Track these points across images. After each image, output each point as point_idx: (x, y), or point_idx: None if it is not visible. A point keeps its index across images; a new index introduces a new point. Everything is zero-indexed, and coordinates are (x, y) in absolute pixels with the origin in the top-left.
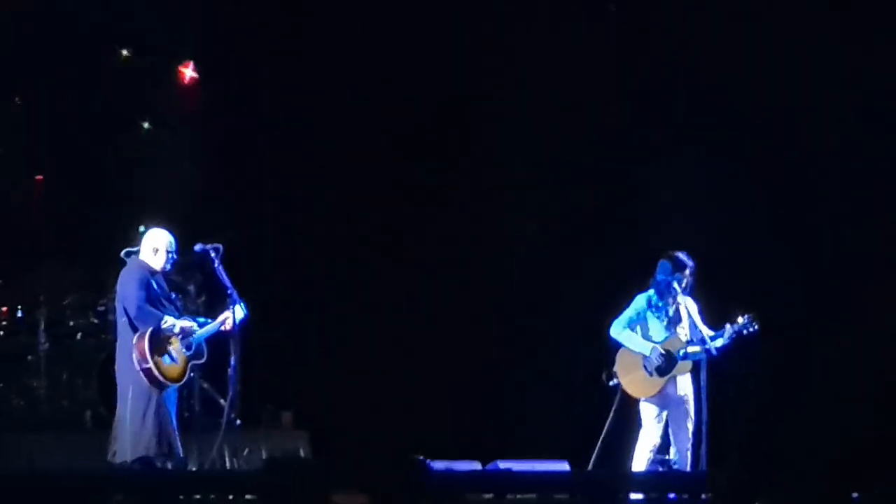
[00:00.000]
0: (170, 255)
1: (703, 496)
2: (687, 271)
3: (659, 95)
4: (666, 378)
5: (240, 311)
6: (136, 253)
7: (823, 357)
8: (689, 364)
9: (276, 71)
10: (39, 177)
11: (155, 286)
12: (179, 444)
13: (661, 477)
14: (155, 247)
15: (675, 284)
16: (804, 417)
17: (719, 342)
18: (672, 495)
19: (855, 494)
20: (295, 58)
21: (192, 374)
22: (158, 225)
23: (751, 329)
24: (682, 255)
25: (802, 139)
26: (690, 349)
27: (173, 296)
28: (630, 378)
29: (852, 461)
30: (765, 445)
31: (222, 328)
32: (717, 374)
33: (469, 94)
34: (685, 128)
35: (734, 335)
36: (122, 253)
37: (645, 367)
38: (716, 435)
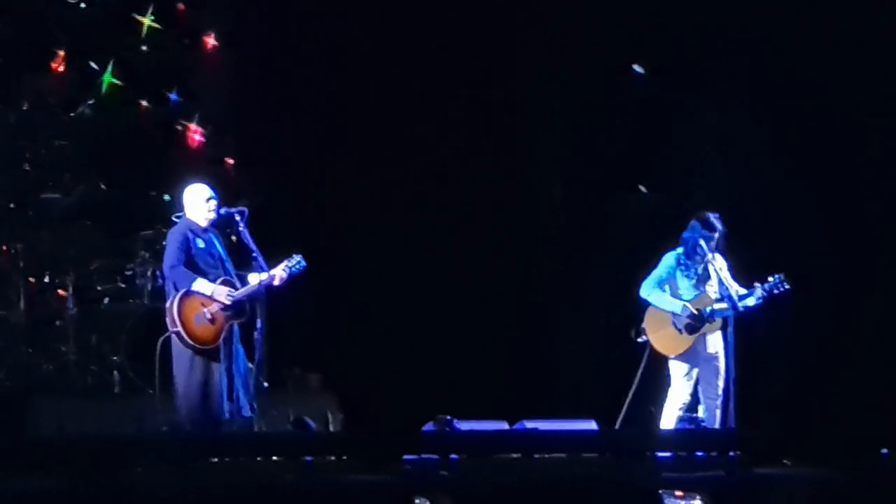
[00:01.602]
0: (213, 205)
1: (732, 454)
2: (716, 234)
3: (688, 56)
4: (695, 336)
5: (263, 274)
6: (183, 215)
7: (853, 313)
8: (719, 322)
9: (300, 32)
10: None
11: (201, 244)
12: (226, 405)
13: (689, 435)
14: (194, 202)
15: (703, 243)
16: (833, 374)
17: (750, 301)
18: (700, 453)
19: (884, 451)
20: (318, 19)
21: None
22: (193, 181)
23: (781, 289)
24: (712, 217)
25: (837, 97)
26: (717, 306)
27: (222, 252)
28: (659, 335)
29: (881, 418)
30: (793, 402)
31: (273, 283)
32: (745, 331)
33: (497, 58)
34: (716, 88)
35: (765, 295)
36: (174, 217)
37: (675, 324)
38: (744, 392)
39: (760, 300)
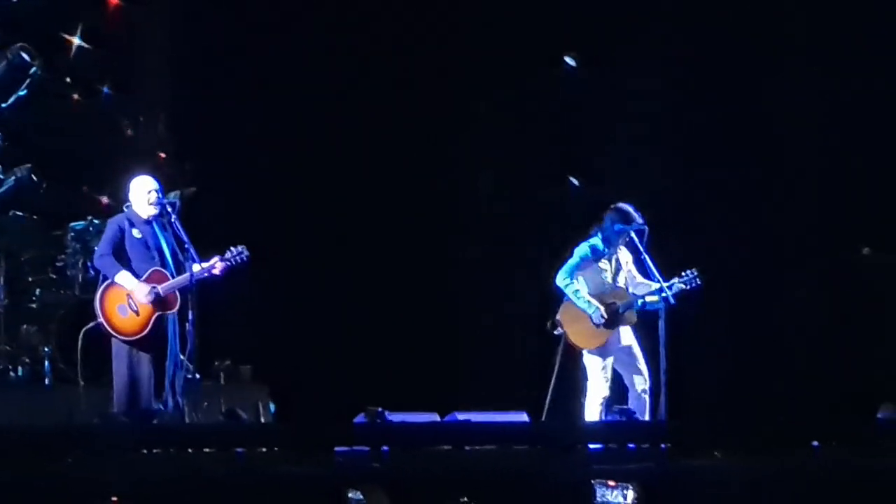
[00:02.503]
0: (154, 198)
1: (663, 446)
2: (633, 225)
3: (613, 50)
4: (612, 331)
5: (198, 265)
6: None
7: (784, 308)
8: (634, 316)
9: (237, 24)
10: None
11: (137, 235)
12: (156, 397)
13: (620, 427)
14: (137, 194)
15: (634, 235)
16: (764, 367)
17: (664, 294)
18: (631, 445)
19: (815, 443)
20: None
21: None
22: (140, 172)
23: (694, 284)
24: (629, 208)
25: (763, 91)
26: (649, 298)
27: (164, 244)
28: (575, 328)
29: (812, 411)
30: (725, 395)
31: (210, 273)
32: (676, 324)
33: (428, 50)
34: (647, 81)
35: (679, 291)
36: (125, 206)
37: (591, 318)
38: (675, 385)
39: (677, 292)
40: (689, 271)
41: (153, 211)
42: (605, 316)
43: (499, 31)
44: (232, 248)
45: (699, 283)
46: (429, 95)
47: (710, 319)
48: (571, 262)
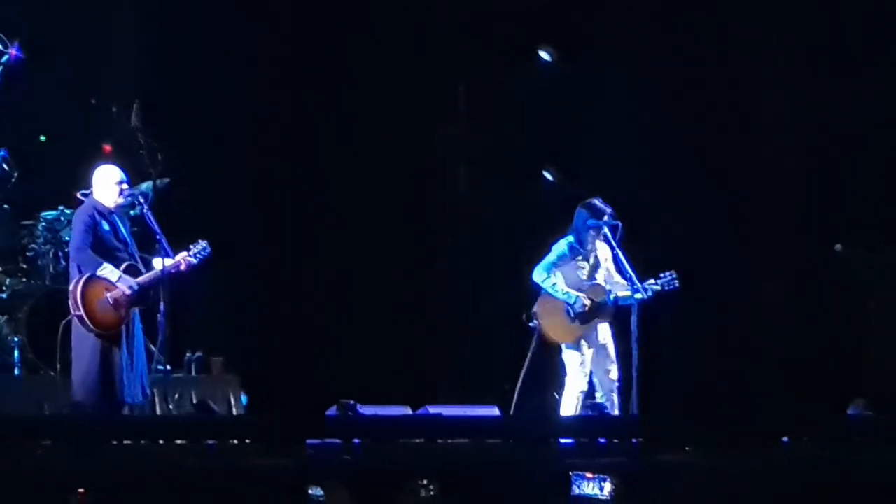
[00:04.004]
0: (121, 189)
1: (634, 441)
2: (605, 217)
3: (589, 44)
4: (587, 325)
5: (168, 259)
6: (90, 194)
7: (755, 304)
8: (611, 311)
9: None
10: None
11: (106, 226)
12: (127, 388)
13: (591, 422)
14: (104, 183)
15: (608, 230)
16: (735, 363)
17: (639, 295)
18: (603, 440)
19: (785, 439)
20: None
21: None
22: (105, 161)
23: (672, 286)
24: (598, 202)
25: (743, 89)
26: (622, 293)
27: (127, 236)
28: (550, 322)
29: (782, 406)
30: (696, 391)
31: (178, 269)
32: (648, 319)
33: (403, 43)
34: (623, 76)
35: (654, 293)
36: (78, 194)
37: (568, 313)
38: (647, 380)
39: (651, 294)
40: (666, 273)
41: (120, 201)
42: (587, 304)
43: (475, 24)
44: (193, 245)
45: (676, 285)
46: (404, 88)
47: (682, 315)
48: (549, 259)
